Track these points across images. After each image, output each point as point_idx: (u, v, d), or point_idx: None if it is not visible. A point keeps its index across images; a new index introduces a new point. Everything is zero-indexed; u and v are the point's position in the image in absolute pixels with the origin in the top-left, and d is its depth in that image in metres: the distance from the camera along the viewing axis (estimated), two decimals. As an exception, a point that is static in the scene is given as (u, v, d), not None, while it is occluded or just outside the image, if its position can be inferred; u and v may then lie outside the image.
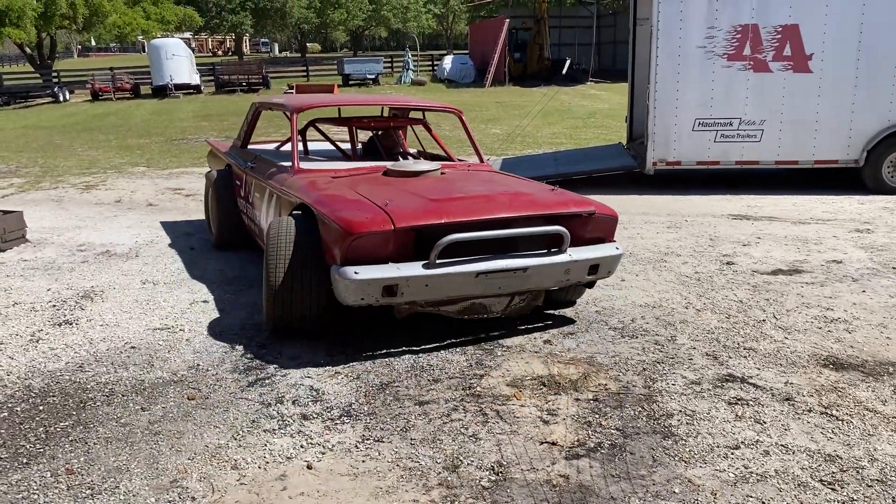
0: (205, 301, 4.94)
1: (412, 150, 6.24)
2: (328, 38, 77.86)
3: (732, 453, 2.95)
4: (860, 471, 2.82)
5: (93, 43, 66.18)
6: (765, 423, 3.20)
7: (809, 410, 3.31)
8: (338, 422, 3.25)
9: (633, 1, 10.52)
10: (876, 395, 3.47)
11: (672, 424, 3.19)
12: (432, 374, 3.72)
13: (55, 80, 32.45)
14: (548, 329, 4.36)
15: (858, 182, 8.79)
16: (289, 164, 5.09)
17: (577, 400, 3.42)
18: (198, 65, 32.28)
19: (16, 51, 46.43)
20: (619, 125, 16.41)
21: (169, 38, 33.46)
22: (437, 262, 3.72)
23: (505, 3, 37.22)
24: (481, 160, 5.58)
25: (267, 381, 3.66)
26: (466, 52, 38.64)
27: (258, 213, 5.44)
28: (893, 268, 5.61)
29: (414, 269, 3.70)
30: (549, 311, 4.68)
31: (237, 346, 4.12)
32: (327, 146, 6.48)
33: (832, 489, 2.71)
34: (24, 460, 2.94)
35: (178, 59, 29.88)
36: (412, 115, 6.55)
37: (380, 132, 6.23)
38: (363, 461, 2.92)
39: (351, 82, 31.97)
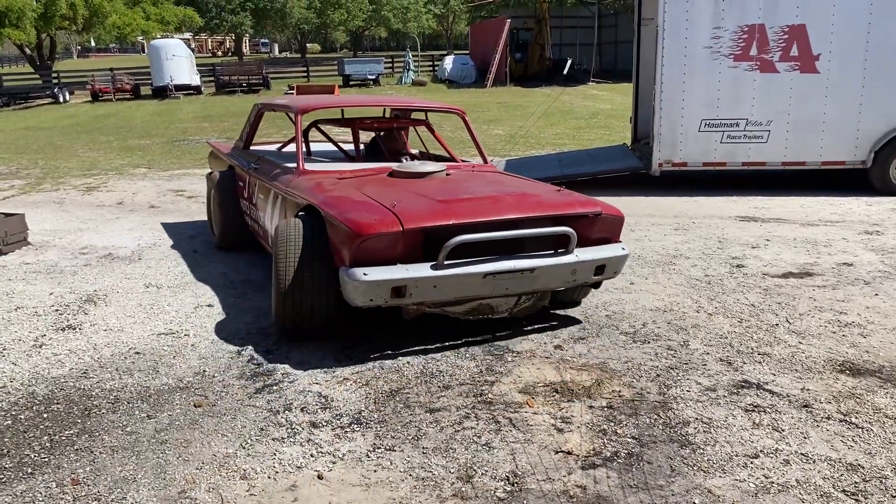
0: (209, 305, 4.88)
1: (414, 151, 6.23)
2: (328, 39, 77.81)
3: (752, 462, 2.89)
4: (884, 480, 2.76)
5: (92, 44, 66.11)
6: (783, 430, 3.14)
7: (828, 418, 3.25)
8: (348, 430, 3.19)
9: (638, 1, 10.45)
10: (895, 401, 3.41)
11: (689, 432, 3.13)
12: (442, 381, 3.66)
13: (55, 81, 32.36)
14: (558, 334, 4.30)
15: (866, 183, 8.73)
16: (293, 165, 5.06)
17: (591, 407, 3.35)
18: (198, 65, 32.22)
19: (16, 52, 46.39)
20: (621, 126, 16.36)
21: (169, 39, 33.39)
22: (446, 262, 3.72)
23: (506, 3, 37.15)
24: (485, 161, 5.56)
25: (275, 388, 3.60)
26: (467, 52, 38.59)
27: (262, 214, 5.41)
28: (905, 270, 5.56)
29: (422, 270, 3.70)
30: (554, 311, 4.63)
31: (243, 352, 4.06)
32: (329, 147, 6.45)
33: (856, 500, 2.64)
34: (29, 470, 2.88)
35: (179, 60, 29.82)
36: (414, 115, 6.52)
37: (382, 133, 6.21)
38: (375, 471, 2.86)
39: (351, 83, 31.91)
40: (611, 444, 3.03)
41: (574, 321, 4.55)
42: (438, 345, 4.10)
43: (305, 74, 35.73)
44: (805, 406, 3.37)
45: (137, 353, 4.07)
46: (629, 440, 3.06)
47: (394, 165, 5.02)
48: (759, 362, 3.88)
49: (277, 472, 2.86)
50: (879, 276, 5.40)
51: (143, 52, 48.17)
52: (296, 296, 3.94)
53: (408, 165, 5.02)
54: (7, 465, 2.91)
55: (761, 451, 2.97)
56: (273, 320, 4.30)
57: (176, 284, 5.37)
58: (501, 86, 30.06)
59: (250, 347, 4.13)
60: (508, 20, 30.84)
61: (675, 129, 8.72)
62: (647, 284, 5.26)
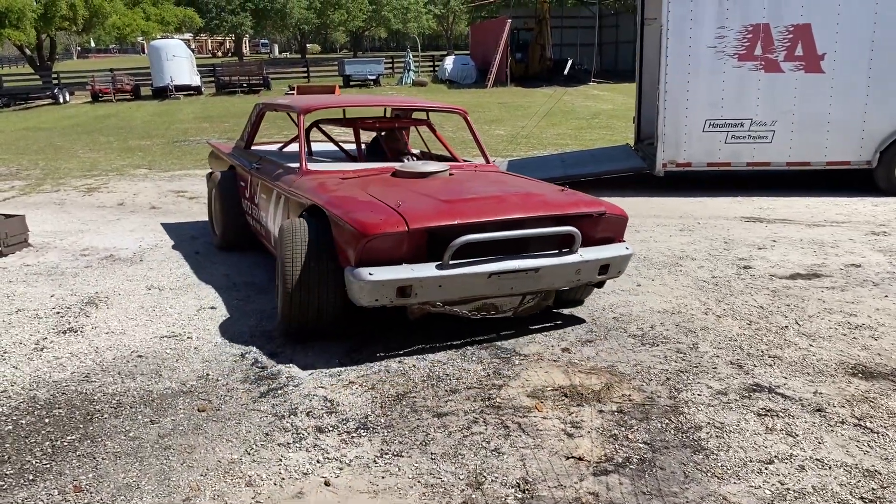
0: (212, 307, 4.83)
1: (415, 151, 6.22)
2: (328, 39, 77.75)
3: (766, 468, 2.84)
4: (901, 487, 2.71)
5: (92, 44, 66.05)
6: (797, 435, 3.09)
7: (842, 422, 3.20)
8: (354, 435, 3.13)
9: (641, 0, 10.40)
10: (909, 405, 3.36)
11: (701, 437, 3.07)
12: (449, 384, 3.61)
13: (55, 81, 32.30)
14: (565, 336, 4.25)
15: (870, 183, 8.68)
16: (296, 165, 5.04)
17: (601, 412, 3.30)
18: (198, 66, 32.16)
19: (15, 52, 46.35)
20: (623, 126, 16.31)
21: (169, 40, 33.35)
22: (451, 262, 3.71)
23: (506, 3, 37.10)
24: (487, 161, 5.55)
25: (279, 392, 3.55)
26: (467, 52, 38.53)
27: (264, 214, 5.39)
28: (914, 272, 5.51)
29: (427, 270, 3.70)
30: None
31: (247, 355, 4.01)
32: (330, 147, 6.44)
33: (874, 507, 2.59)
34: (31, 476, 2.83)
35: (179, 61, 29.75)
36: (416, 115, 6.50)
37: (383, 133, 6.20)
38: (383, 477, 2.81)
39: (352, 83, 31.86)
40: (622, 450, 2.97)
41: (578, 320, 4.52)
42: (444, 347, 4.05)
43: (306, 75, 35.67)
44: (818, 410, 3.31)
45: (140, 356, 4.02)
46: (641, 445, 3.01)
47: (396, 165, 5.01)
48: (770, 365, 3.83)
49: (283, 479, 2.81)
50: (888, 278, 5.35)
51: (143, 53, 48.12)
52: (303, 296, 3.92)
53: (411, 165, 5.00)
54: (8, 472, 2.86)
55: (776, 456, 2.92)
56: (279, 321, 4.27)
57: (178, 286, 5.31)
58: (502, 86, 30.01)
59: (254, 350, 4.07)
60: (509, 20, 30.79)
61: (679, 129, 8.67)
62: (654, 286, 5.21)
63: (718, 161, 8.75)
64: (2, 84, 30.69)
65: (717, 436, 3.09)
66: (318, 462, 2.92)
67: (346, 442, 3.07)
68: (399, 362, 3.89)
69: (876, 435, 3.09)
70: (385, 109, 6.54)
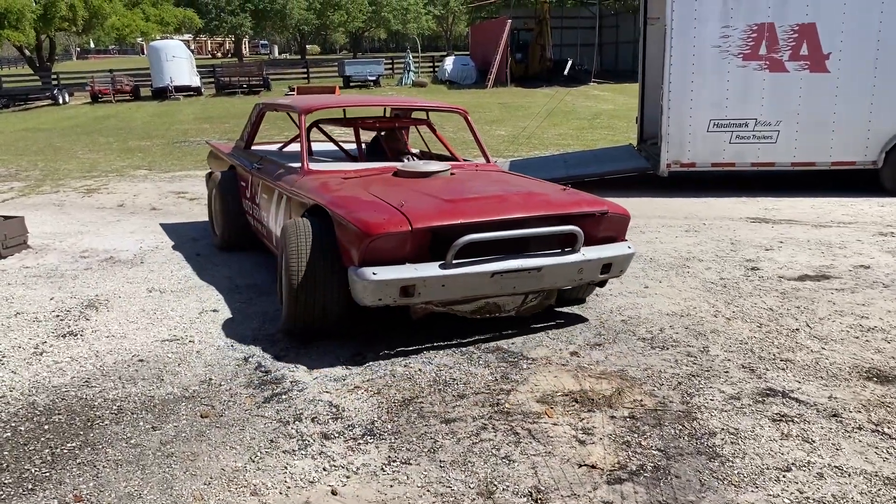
0: (214, 310, 4.76)
1: (415, 151, 6.21)
2: (328, 40, 77.70)
3: (784, 476, 2.77)
4: (923, 495, 2.64)
5: (92, 45, 65.99)
6: (814, 442, 3.02)
7: (859, 428, 3.13)
8: (361, 441, 3.06)
9: (644, 0, 10.34)
10: (927, 410, 3.29)
11: (716, 444, 3.00)
12: (457, 389, 3.54)
13: (54, 82, 32.23)
14: (573, 339, 4.18)
15: (876, 184, 8.62)
16: (297, 165, 5.03)
17: (613, 417, 3.23)
18: (197, 66, 32.09)
19: (15, 53, 46.25)
20: (625, 126, 16.26)
21: (169, 40, 33.29)
22: (454, 262, 3.71)
23: (506, 3, 37.04)
24: (488, 160, 5.54)
25: (284, 397, 3.48)
26: (467, 53, 38.47)
27: (265, 214, 5.37)
28: (924, 273, 5.44)
29: (430, 269, 3.69)
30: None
31: (251, 359, 3.94)
32: (329, 147, 6.44)
33: (896, 516, 2.53)
34: (30, 486, 2.76)
35: (178, 61, 29.69)
36: (416, 115, 6.49)
37: (383, 133, 6.20)
38: (391, 486, 2.74)
39: (352, 84, 31.81)
40: (636, 457, 2.90)
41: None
42: (450, 350, 3.98)
43: (306, 76, 35.60)
44: (834, 415, 3.25)
45: (141, 360, 3.95)
46: (655, 452, 2.94)
47: (398, 165, 5.01)
48: (783, 369, 3.76)
49: (289, 488, 2.74)
50: (898, 279, 5.28)
51: (143, 54, 48.04)
52: (308, 296, 3.90)
53: (412, 165, 4.99)
54: (6, 481, 2.79)
55: (793, 463, 2.85)
56: (283, 321, 4.23)
57: (179, 289, 5.24)
58: (502, 86, 29.95)
59: (258, 354, 4.01)
60: (509, 21, 30.74)
61: (683, 129, 8.61)
62: (662, 288, 5.14)
63: (723, 161, 8.68)
64: (1, 85, 30.62)
65: (731, 442, 3.02)
66: (324, 470, 2.85)
67: (352, 449, 3.00)
68: (405, 366, 3.82)
69: (894, 441, 3.02)
70: (385, 109, 6.53)
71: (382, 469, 2.85)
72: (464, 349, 4.03)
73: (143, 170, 11.87)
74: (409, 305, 3.86)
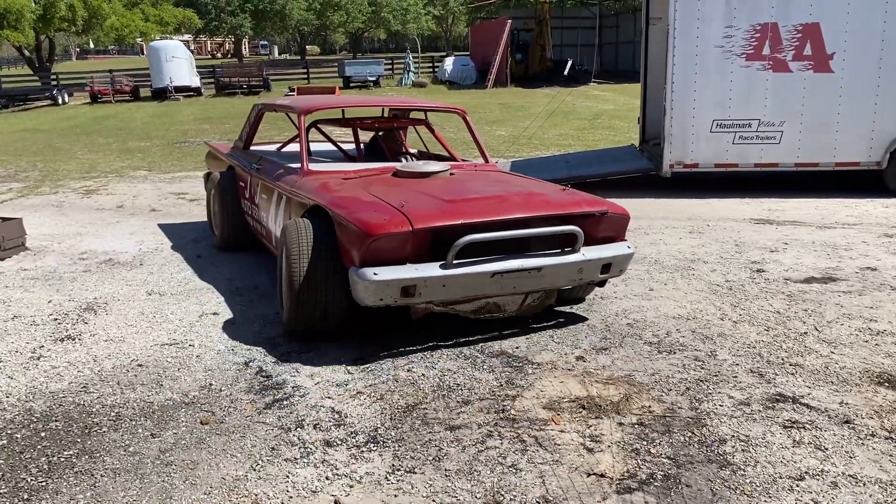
0: (214, 313, 4.70)
1: (413, 151, 6.20)
2: (327, 41, 77.63)
3: (797, 485, 2.71)
4: (940, 505, 2.58)
5: (91, 45, 65.92)
6: (826, 449, 2.96)
7: (872, 435, 3.07)
8: (364, 449, 3.00)
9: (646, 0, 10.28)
10: (940, 416, 3.23)
11: (727, 452, 2.94)
12: (461, 395, 3.48)
13: (54, 82, 32.15)
14: (579, 343, 4.12)
15: (880, 185, 8.56)
16: (297, 165, 5.02)
17: (621, 424, 3.17)
18: (197, 67, 32.02)
19: (14, 54, 46.16)
20: (626, 126, 16.20)
21: (169, 41, 33.22)
22: (454, 262, 3.71)
23: (506, 3, 36.98)
24: (486, 160, 5.54)
25: (285, 403, 3.42)
26: (467, 53, 38.41)
27: (265, 215, 5.36)
28: (932, 275, 5.38)
29: (431, 269, 3.70)
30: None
31: (251, 363, 3.88)
32: (328, 147, 6.44)
33: (913, 527, 2.47)
34: (25, 496, 2.70)
35: (178, 62, 29.61)
36: (415, 115, 6.49)
37: (381, 133, 6.19)
38: (395, 496, 2.68)
39: (352, 84, 31.74)
40: (645, 466, 2.84)
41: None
42: (454, 354, 3.92)
43: (306, 76, 35.53)
44: (846, 422, 3.19)
45: (140, 365, 3.88)
46: (664, 461, 2.88)
47: (397, 165, 5.01)
48: (792, 374, 3.70)
49: (291, 497, 2.67)
50: (906, 282, 5.23)
51: (143, 54, 47.94)
52: (309, 297, 3.90)
53: (412, 165, 4.99)
54: (1, 491, 2.72)
55: (806, 472, 2.79)
56: (284, 322, 4.21)
57: (179, 291, 5.18)
58: (502, 87, 29.88)
59: (258, 358, 3.94)
60: (509, 21, 30.67)
61: (686, 129, 8.55)
62: (668, 291, 5.08)
63: (726, 162, 8.62)
64: (0, 85, 30.53)
65: (742, 450, 2.96)
66: (326, 479, 2.79)
67: (355, 457, 2.94)
68: (407, 371, 3.76)
69: (908, 448, 2.96)
70: (383, 109, 6.52)
71: (386, 478, 2.79)
72: (467, 353, 3.97)
73: (142, 170, 11.80)
74: (410, 306, 3.85)
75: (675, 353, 3.98)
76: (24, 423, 3.25)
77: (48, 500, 2.66)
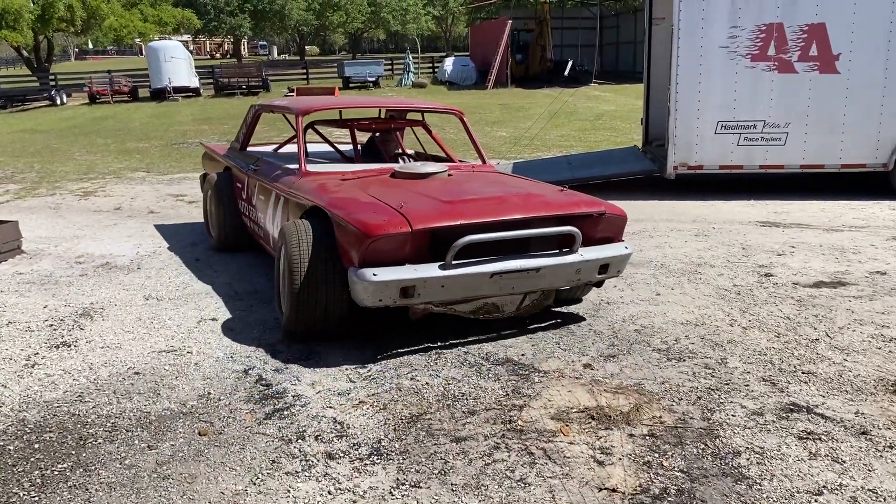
0: (213, 319, 4.61)
1: (410, 152, 6.18)
2: (327, 41, 77.52)
3: (815, 500, 2.62)
4: (965, 522, 2.49)
5: (90, 46, 65.80)
6: (844, 462, 2.87)
7: (891, 447, 2.98)
8: (367, 462, 2.91)
9: (649, 0, 10.19)
10: (959, 427, 3.14)
11: (741, 464, 2.85)
12: (466, 405, 3.39)
13: (52, 83, 32.06)
14: (586, 351, 4.03)
15: (886, 186, 8.47)
16: (295, 166, 5.00)
17: (632, 436, 3.08)
18: (196, 67, 31.93)
19: (13, 54, 46.05)
20: (628, 127, 16.12)
21: (167, 41, 33.14)
22: (453, 262, 3.72)
23: (507, 4, 36.90)
24: (484, 161, 5.53)
25: (286, 413, 3.33)
26: (467, 53, 38.33)
27: (262, 216, 5.33)
28: (943, 279, 5.29)
29: (430, 270, 3.70)
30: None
31: (251, 371, 3.79)
32: (324, 148, 6.41)
33: (938, 546, 2.38)
34: (17, 512, 2.61)
35: (177, 62, 29.56)
36: (412, 116, 6.47)
37: (378, 134, 6.18)
38: (400, 512, 2.59)
39: (351, 85, 31.68)
40: (658, 479, 2.75)
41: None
42: (458, 361, 3.83)
43: (305, 76, 35.46)
44: (863, 433, 3.09)
45: (136, 373, 3.79)
46: (678, 474, 2.79)
47: (395, 166, 5.01)
48: (805, 382, 3.61)
49: (292, 514, 2.58)
50: (917, 286, 5.14)
51: (142, 55, 47.85)
52: (310, 297, 3.89)
53: (410, 166, 4.98)
54: (-7, 506, 2.63)
55: (824, 486, 2.70)
56: (284, 323, 4.18)
57: (177, 296, 5.09)
58: (502, 87, 29.81)
59: (258, 366, 3.85)
60: (509, 21, 30.60)
61: (690, 131, 8.46)
62: (675, 295, 4.99)
63: (731, 163, 8.54)
64: (-2, 86, 30.44)
65: (757, 462, 2.87)
66: (329, 493, 2.70)
67: (358, 470, 2.85)
68: (411, 379, 3.67)
69: (929, 461, 2.87)
70: (380, 110, 6.51)
71: (391, 493, 2.70)
72: (472, 361, 3.88)
73: (140, 172, 11.71)
74: (409, 306, 3.83)
75: (684, 360, 3.89)
76: (17, 435, 3.15)
77: (40, 517, 2.57)
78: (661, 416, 3.25)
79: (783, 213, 7.79)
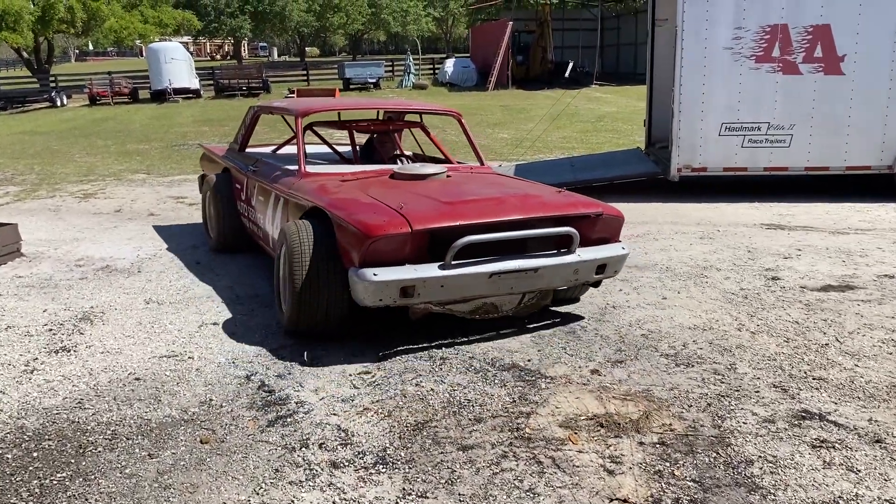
0: (214, 323, 4.55)
1: (408, 153, 6.19)
2: (327, 42, 77.52)
3: (832, 511, 2.56)
4: (985, 534, 2.43)
5: (90, 47, 65.79)
6: (859, 471, 2.81)
7: (906, 455, 2.92)
8: (373, 471, 2.85)
9: (652, 1, 10.14)
10: (975, 435, 3.09)
11: (754, 474, 2.80)
12: (472, 412, 3.33)
13: (52, 84, 32.02)
14: (592, 356, 3.97)
15: (892, 189, 8.40)
16: (294, 167, 5.00)
17: (642, 444, 3.02)
18: (196, 69, 31.89)
19: (13, 55, 46.02)
20: (630, 129, 16.06)
21: (168, 42, 33.11)
22: (452, 263, 3.75)
23: (507, 5, 36.87)
24: (482, 163, 5.54)
25: (289, 420, 3.27)
26: (467, 55, 38.28)
27: (261, 217, 5.33)
28: (952, 283, 5.23)
29: (430, 270, 3.73)
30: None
31: (253, 377, 3.73)
32: (323, 150, 6.42)
33: (959, 559, 2.32)
34: (15, 523, 2.55)
35: (177, 63, 29.51)
36: (411, 118, 6.49)
37: (375, 135, 6.18)
38: (407, 523, 2.53)
39: (352, 86, 31.61)
40: (670, 489, 2.69)
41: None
42: (463, 367, 3.78)
43: (305, 78, 35.42)
44: (878, 441, 3.04)
45: (137, 378, 3.73)
46: (690, 484, 2.73)
47: (394, 167, 5.03)
48: (816, 388, 3.56)
49: (297, 525, 2.53)
50: (926, 290, 5.08)
51: (142, 56, 47.82)
52: (311, 298, 3.92)
53: (409, 167, 5.00)
54: (-10, 517, 2.58)
55: (840, 497, 2.64)
56: (285, 324, 4.19)
57: (178, 300, 5.03)
58: (503, 89, 29.75)
59: (261, 371, 3.79)
60: (510, 22, 30.55)
61: (694, 133, 8.40)
62: (681, 299, 4.94)
63: (735, 166, 8.48)
64: (-2, 87, 30.41)
65: (771, 471, 2.81)
66: (334, 504, 2.64)
67: (363, 480, 2.79)
68: (416, 385, 3.61)
69: (945, 471, 2.81)
70: (378, 112, 6.53)
71: (397, 503, 2.64)
72: (477, 366, 3.83)
73: (141, 174, 11.66)
74: (409, 306, 3.86)
75: (693, 366, 3.83)
76: (15, 442, 3.10)
77: (39, 528, 2.51)
78: (671, 424, 3.19)
79: (788, 215, 7.74)
